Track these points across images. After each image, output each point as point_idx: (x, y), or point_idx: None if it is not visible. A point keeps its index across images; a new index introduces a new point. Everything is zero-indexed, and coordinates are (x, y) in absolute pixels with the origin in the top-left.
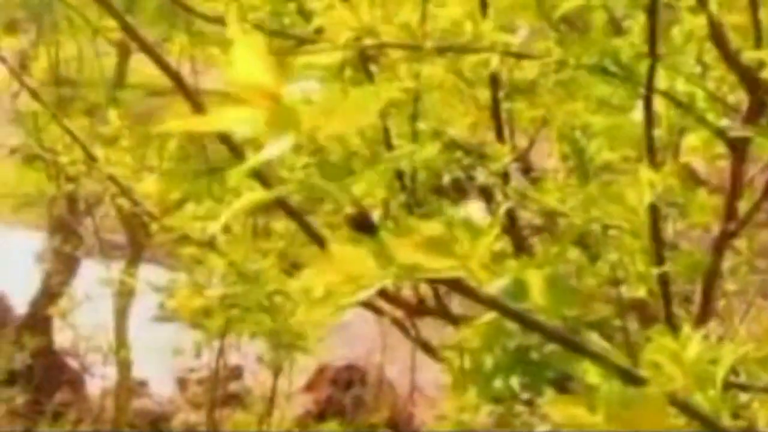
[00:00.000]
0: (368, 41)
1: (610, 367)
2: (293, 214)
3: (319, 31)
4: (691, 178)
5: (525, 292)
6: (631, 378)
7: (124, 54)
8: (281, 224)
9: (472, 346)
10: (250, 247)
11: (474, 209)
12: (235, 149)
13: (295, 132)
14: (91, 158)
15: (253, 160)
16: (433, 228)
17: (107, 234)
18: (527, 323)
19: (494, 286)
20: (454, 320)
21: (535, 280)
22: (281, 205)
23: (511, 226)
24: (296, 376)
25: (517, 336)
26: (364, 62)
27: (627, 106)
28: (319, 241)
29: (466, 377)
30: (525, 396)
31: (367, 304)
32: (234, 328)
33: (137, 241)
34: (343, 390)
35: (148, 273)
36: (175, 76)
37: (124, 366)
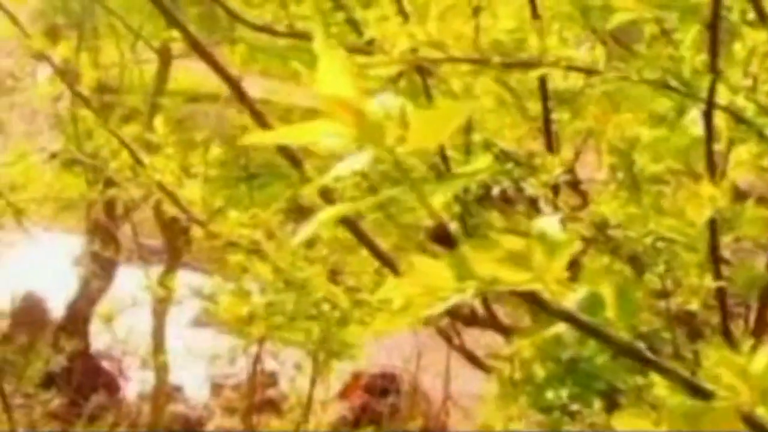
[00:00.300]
0: (429, 54)
1: (678, 381)
2: (360, 235)
3: (370, 42)
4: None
5: (600, 307)
6: (696, 392)
7: (165, 61)
8: (325, 232)
9: (523, 356)
10: (296, 255)
11: (549, 222)
12: (294, 160)
13: (380, 146)
14: (139, 164)
15: (334, 172)
16: (513, 242)
17: (144, 239)
18: (601, 337)
19: (570, 299)
20: (504, 330)
21: (609, 294)
22: (346, 223)
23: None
24: (329, 382)
25: (572, 348)
26: (421, 74)
27: (675, 119)
28: (388, 263)
29: (516, 387)
30: (574, 407)
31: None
32: (276, 335)
33: (176, 246)
34: (378, 398)
35: (184, 278)
36: (236, 86)
37: (162, 370)
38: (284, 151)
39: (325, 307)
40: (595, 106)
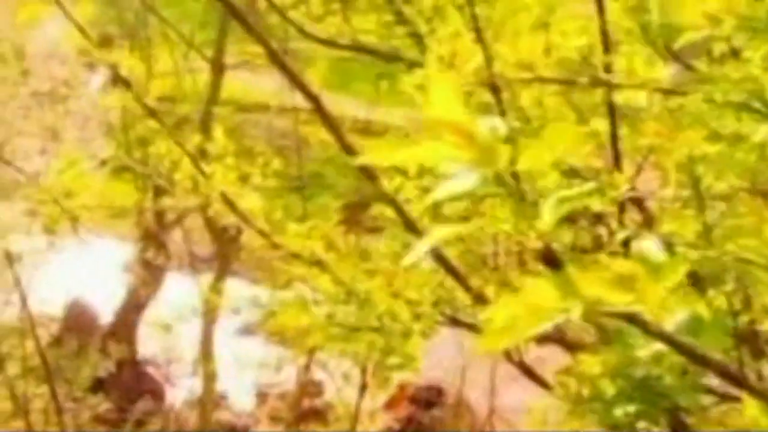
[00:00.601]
0: (502, 70)
1: None
2: (446, 263)
3: (439, 57)
4: None
5: (700, 330)
6: None
7: (218, 71)
8: (382, 244)
9: (591, 372)
10: (356, 267)
11: (649, 245)
12: (372, 177)
13: (493, 167)
14: (201, 174)
15: (442, 192)
16: (620, 264)
17: (191, 246)
18: (700, 359)
19: (671, 321)
20: (572, 347)
21: (707, 317)
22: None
23: (625, 255)
24: (376, 393)
25: (644, 366)
26: (495, 91)
27: (739, 137)
28: (475, 294)
29: (582, 403)
30: (640, 424)
31: (473, 327)
32: (332, 346)
33: (226, 254)
34: (423, 409)
35: (232, 286)
36: (316, 101)
37: (210, 378)
38: (365, 170)
39: (387, 320)
40: (656, 122)
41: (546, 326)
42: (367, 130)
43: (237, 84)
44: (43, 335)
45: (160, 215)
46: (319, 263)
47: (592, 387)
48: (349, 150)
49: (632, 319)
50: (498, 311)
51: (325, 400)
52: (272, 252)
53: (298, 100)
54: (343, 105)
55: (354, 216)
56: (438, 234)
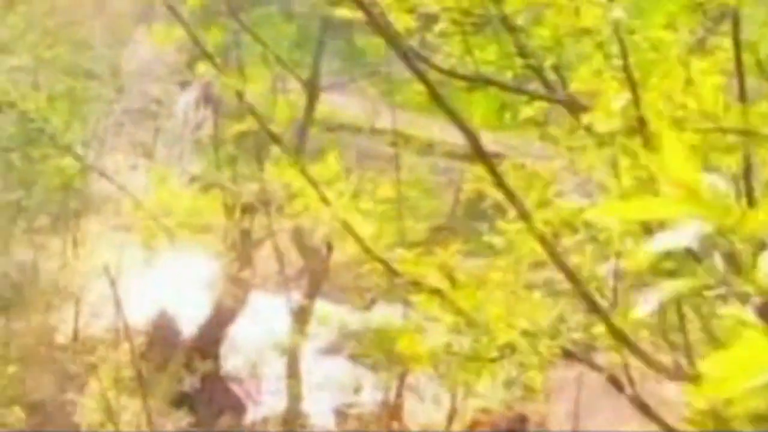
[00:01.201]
0: (647, 113)
1: None
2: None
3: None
4: None
5: None
6: None
7: (312, 92)
8: (498, 275)
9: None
10: (475, 297)
11: None
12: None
13: (722, 224)
14: (323, 200)
15: (662, 243)
16: None
17: (276, 265)
18: None
19: None
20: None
21: None
22: (582, 295)
23: None
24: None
25: None
26: (644, 131)
27: None
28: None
29: None
30: None
31: (586, 360)
32: (447, 374)
33: (316, 275)
34: None
35: (316, 305)
36: (473, 139)
37: (295, 398)
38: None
39: (507, 351)
40: None
41: (762, 379)
42: (466, 155)
43: (325, 105)
44: (130, 348)
45: (245, 233)
46: (438, 292)
47: (720, 423)
48: (511, 196)
49: None
50: (715, 362)
51: (403, 422)
52: (387, 278)
53: (383, 122)
54: (432, 129)
55: (442, 239)
56: (668, 288)
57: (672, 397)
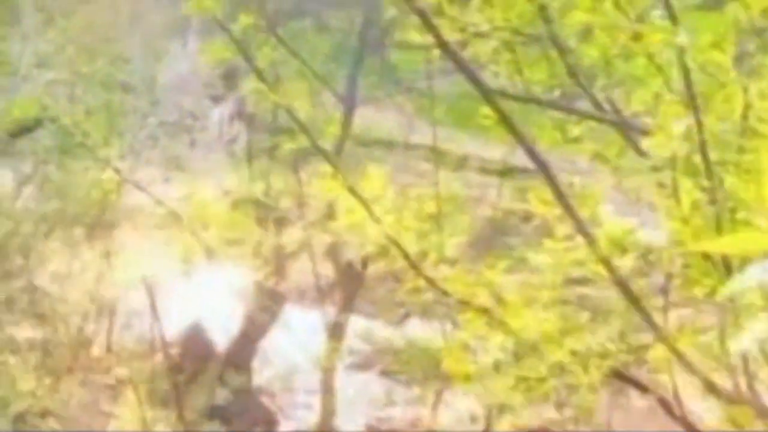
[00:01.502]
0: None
1: None
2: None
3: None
4: None
5: None
6: None
7: (349, 107)
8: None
9: None
10: (523, 317)
11: None
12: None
13: None
14: (373, 218)
15: (749, 277)
16: None
17: (308, 279)
18: None
19: None
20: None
21: None
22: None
23: None
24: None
25: None
26: (703, 155)
27: None
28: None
29: None
30: None
31: (635, 381)
32: (495, 393)
33: (350, 289)
34: None
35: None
36: (542, 165)
37: (328, 412)
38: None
39: (556, 371)
40: None
41: None
42: (503, 171)
43: (361, 120)
44: (165, 360)
45: (279, 247)
46: (486, 311)
47: None
48: (580, 226)
49: None
50: None
51: None
52: (433, 296)
53: (417, 137)
54: (467, 144)
55: (477, 255)
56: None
57: (696, 410)
